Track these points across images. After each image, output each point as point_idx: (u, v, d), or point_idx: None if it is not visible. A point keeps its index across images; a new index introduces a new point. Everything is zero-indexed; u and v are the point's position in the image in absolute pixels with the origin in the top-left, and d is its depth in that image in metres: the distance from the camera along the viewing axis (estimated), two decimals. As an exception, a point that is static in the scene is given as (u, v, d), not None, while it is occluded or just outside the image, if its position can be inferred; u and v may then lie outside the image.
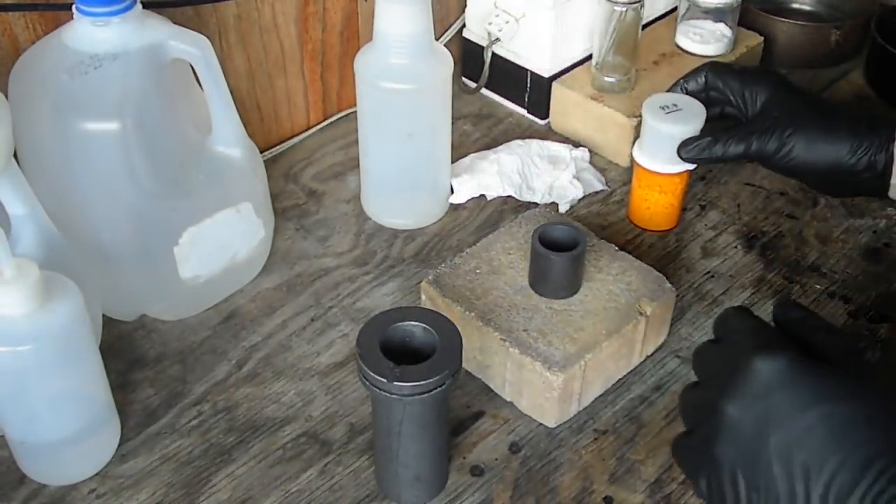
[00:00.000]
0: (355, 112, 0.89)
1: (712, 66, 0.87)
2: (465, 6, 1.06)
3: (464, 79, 1.09)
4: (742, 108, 0.84)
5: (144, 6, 0.71)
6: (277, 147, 1.00)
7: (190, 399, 0.75)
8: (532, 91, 1.03)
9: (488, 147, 0.99)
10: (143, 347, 0.79)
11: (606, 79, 0.98)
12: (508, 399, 0.74)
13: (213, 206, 0.77)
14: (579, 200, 0.93)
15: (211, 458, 0.70)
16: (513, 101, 1.06)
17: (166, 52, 0.71)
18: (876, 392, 0.49)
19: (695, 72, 0.87)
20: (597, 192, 0.95)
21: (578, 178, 0.94)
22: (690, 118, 0.83)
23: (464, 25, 1.08)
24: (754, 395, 0.50)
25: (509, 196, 0.94)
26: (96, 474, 0.69)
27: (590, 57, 1.00)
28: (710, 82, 0.86)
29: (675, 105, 0.84)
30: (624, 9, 0.94)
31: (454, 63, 0.85)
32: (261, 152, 0.84)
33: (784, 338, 0.54)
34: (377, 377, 0.59)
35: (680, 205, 0.90)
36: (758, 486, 0.49)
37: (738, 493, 0.50)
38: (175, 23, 0.73)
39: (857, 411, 0.48)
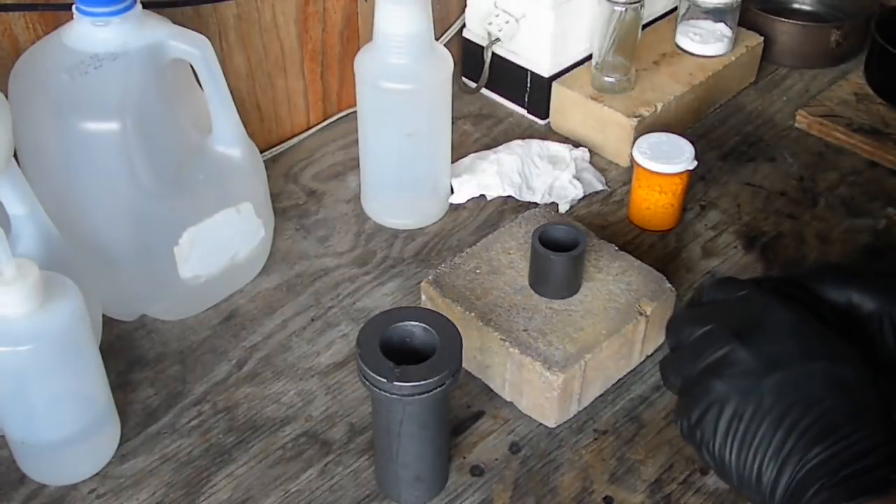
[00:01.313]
0: (355, 112, 0.89)
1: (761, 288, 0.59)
2: (465, 6, 1.06)
3: (464, 79, 1.09)
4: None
5: (144, 6, 0.71)
6: (277, 147, 1.00)
7: (190, 399, 0.75)
8: (532, 91, 1.03)
9: (488, 147, 0.99)
10: (143, 347, 0.79)
11: (606, 79, 0.98)
12: (508, 399, 0.74)
13: (213, 206, 0.77)
14: (579, 200, 0.93)
15: (211, 458, 0.70)
16: (513, 101, 1.06)
17: (166, 52, 0.71)
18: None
19: None
20: (597, 192, 0.95)
21: (578, 178, 0.94)
22: None
23: (464, 25, 1.08)
24: (771, 338, 0.54)
25: (509, 196, 0.94)
26: (96, 474, 0.69)
27: (590, 57, 1.00)
28: None
29: None
30: (624, 9, 0.94)
31: (454, 63, 0.85)
32: (261, 152, 0.84)
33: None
34: (377, 377, 0.59)
35: (680, 205, 0.89)
36: (742, 414, 0.53)
37: (719, 419, 0.53)
38: (175, 23, 0.73)
39: (857, 375, 0.52)
